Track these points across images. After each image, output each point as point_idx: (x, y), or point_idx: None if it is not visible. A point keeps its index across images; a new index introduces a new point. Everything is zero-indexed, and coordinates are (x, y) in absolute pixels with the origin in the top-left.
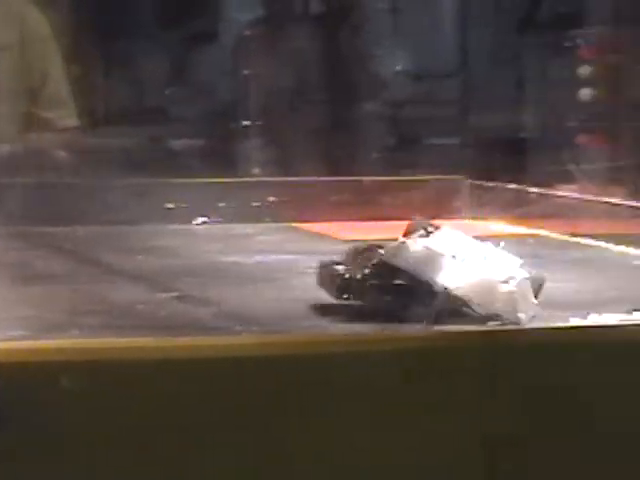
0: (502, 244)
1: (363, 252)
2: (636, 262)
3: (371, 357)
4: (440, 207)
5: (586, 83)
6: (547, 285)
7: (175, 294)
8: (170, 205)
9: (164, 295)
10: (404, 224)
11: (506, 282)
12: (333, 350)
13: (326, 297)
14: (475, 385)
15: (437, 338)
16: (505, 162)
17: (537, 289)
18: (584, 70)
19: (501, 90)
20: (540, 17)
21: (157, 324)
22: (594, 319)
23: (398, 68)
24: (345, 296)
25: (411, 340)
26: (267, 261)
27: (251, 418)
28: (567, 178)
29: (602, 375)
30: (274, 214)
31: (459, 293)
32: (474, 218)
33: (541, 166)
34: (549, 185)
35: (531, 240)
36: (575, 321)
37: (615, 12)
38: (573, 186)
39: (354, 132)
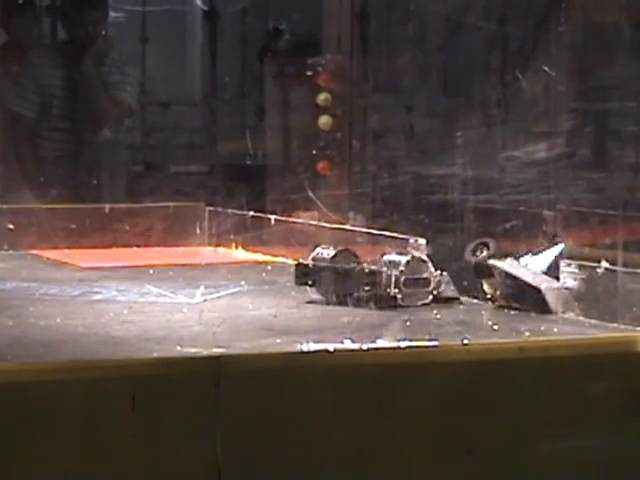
0: None
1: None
2: None
3: (97, 384)
4: (180, 233)
5: (324, 111)
6: (284, 312)
7: None
8: None
9: None
10: (143, 251)
11: None
12: (58, 377)
13: (58, 323)
14: (202, 410)
15: (163, 364)
16: (247, 189)
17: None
18: (322, 98)
19: (245, 119)
20: (281, 46)
21: None
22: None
23: (145, 96)
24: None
25: (137, 367)
26: (4, 289)
27: None
28: (307, 205)
29: (327, 398)
30: (12, 242)
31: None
32: (213, 244)
33: (282, 193)
34: (290, 212)
35: (269, 267)
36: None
37: (353, 41)
38: (312, 213)
39: (98, 159)
